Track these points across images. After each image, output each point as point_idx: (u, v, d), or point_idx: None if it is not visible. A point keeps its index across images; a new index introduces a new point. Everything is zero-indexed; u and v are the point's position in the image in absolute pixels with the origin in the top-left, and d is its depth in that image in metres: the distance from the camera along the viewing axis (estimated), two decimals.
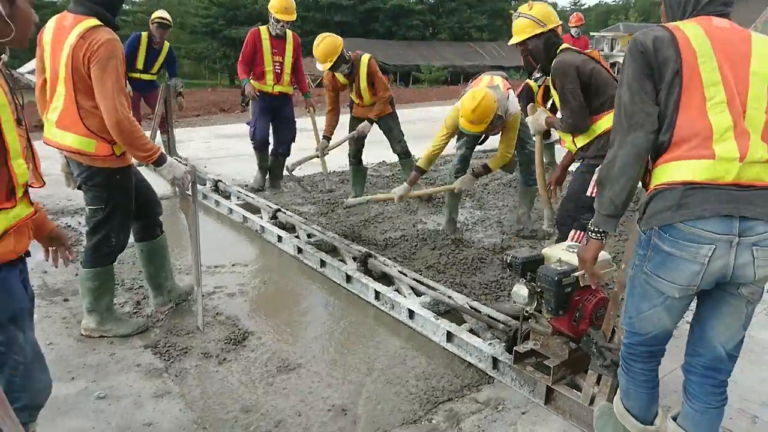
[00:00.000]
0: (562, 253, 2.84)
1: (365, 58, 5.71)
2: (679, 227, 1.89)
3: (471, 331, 3.38)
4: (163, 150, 3.21)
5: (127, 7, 41.46)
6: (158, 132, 7.64)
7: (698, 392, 2.15)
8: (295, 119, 6.75)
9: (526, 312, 2.90)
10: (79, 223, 5.37)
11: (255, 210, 5.78)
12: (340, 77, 5.79)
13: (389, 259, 4.43)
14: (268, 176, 6.85)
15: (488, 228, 5.57)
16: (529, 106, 4.22)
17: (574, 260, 2.76)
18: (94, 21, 2.93)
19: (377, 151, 6.81)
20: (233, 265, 4.60)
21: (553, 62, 3.58)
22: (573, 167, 4.09)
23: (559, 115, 3.78)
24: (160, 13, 7.58)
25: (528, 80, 4.32)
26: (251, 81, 6.23)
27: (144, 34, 7.47)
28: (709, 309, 2.07)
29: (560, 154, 5.03)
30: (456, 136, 5.05)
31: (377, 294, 3.93)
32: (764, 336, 3.52)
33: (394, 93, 6.01)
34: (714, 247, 1.85)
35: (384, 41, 42.74)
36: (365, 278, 4.07)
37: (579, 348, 2.79)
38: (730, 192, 1.84)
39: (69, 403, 2.77)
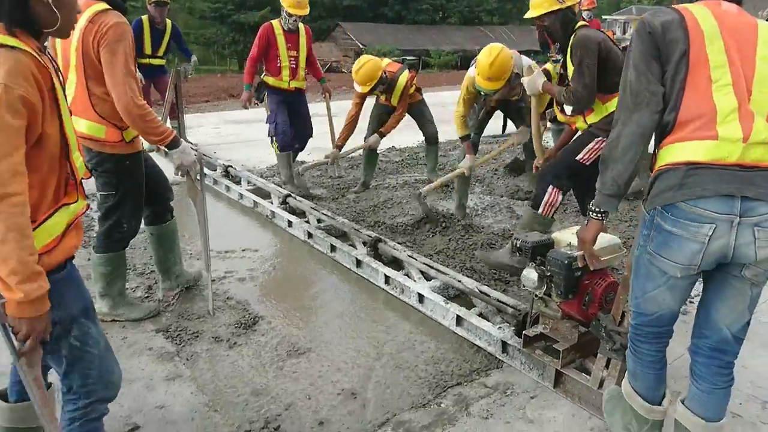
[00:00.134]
0: (572, 238, 2.83)
1: (403, 79, 5.72)
2: (680, 206, 1.90)
3: (480, 315, 3.38)
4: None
5: None
6: (168, 118, 7.64)
7: (705, 373, 2.16)
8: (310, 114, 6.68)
9: (536, 296, 2.90)
10: (91, 207, 5.40)
11: (265, 195, 5.79)
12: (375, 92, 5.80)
13: (399, 244, 4.43)
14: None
15: (498, 213, 5.55)
16: (525, 67, 4.20)
17: None
18: (102, 5, 2.92)
19: (387, 137, 6.76)
20: (243, 250, 4.62)
21: (576, 34, 3.56)
22: None
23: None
24: None
25: (546, 65, 4.29)
26: (265, 77, 6.10)
27: (144, 17, 7.38)
28: (714, 292, 2.08)
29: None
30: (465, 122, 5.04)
31: (387, 278, 3.94)
32: None
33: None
34: (714, 227, 1.85)
35: (393, 26, 42.50)
36: (375, 263, 4.08)
37: (588, 332, 2.79)
38: (733, 172, 1.85)
39: None
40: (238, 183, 6.25)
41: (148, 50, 7.46)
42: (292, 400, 2.76)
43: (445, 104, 9.02)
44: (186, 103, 9.14)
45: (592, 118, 3.67)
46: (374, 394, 2.83)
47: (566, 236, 2.86)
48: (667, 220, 1.94)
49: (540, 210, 3.85)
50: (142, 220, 3.52)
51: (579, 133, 3.89)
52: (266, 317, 3.55)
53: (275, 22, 6.00)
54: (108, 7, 2.93)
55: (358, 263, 4.21)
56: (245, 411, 2.69)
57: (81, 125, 3.03)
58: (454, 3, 46.60)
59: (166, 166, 4.06)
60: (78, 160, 1.88)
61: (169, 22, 7.62)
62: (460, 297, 3.70)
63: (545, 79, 3.99)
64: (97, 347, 1.92)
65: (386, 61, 6.05)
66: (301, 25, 6.09)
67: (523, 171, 6.26)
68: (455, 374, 2.99)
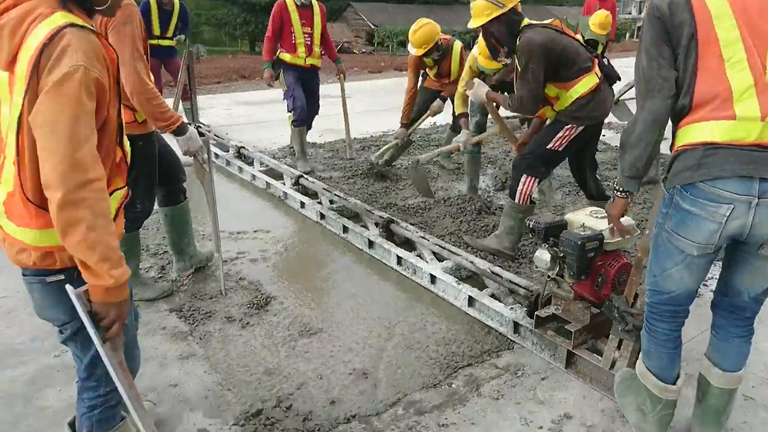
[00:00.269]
0: (585, 219, 2.82)
1: (458, 46, 5.62)
2: (699, 186, 1.90)
3: (492, 296, 3.38)
4: (185, 119, 3.21)
5: None
6: (181, 100, 7.63)
7: (723, 324, 2.23)
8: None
9: (549, 277, 2.90)
10: None
11: (278, 176, 5.80)
12: (428, 60, 5.68)
13: (411, 225, 4.42)
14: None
15: None
16: (467, 81, 4.15)
17: (597, 225, 2.74)
18: None
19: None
20: (256, 231, 4.64)
21: (521, 38, 3.52)
22: None
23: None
24: None
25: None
26: (281, 55, 6.08)
27: None
28: (733, 264, 2.11)
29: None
30: (469, 105, 4.99)
31: (399, 259, 3.94)
32: None
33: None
34: (733, 207, 1.85)
35: (405, 6, 42.16)
36: (387, 244, 4.08)
37: (600, 313, 2.78)
38: (750, 153, 1.83)
39: None
40: (251, 164, 6.26)
41: (156, 31, 7.44)
42: (304, 380, 2.79)
43: None
44: (197, 85, 9.12)
45: (560, 106, 3.68)
46: (385, 374, 2.84)
47: (579, 217, 2.85)
48: (685, 199, 1.95)
49: (516, 200, 3.87)
50: (156, 201, 3.53)
51: (548, 122, 3.90)
52: (278, 297, 3.57)
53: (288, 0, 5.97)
54: None
55: (371, 244, 4.21)
56: (258, 390, 2.71)
57: None
58: None
59: (177, 147, 4.07)
60: (126, 144, 1.86)
61: (177, 2, 7.59)
62: (472, 278, 3.70)
63: (488, 87, 3.98)
64: (128, 335, 1.92)
65: None
66: (314, 2, 6.07)
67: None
68: (466, 355, 2.99)
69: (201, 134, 3.35)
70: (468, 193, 5.30)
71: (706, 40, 1.89)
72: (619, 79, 3.86)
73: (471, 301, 3.36)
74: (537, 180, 3.84)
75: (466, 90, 4.16)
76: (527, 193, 3.84)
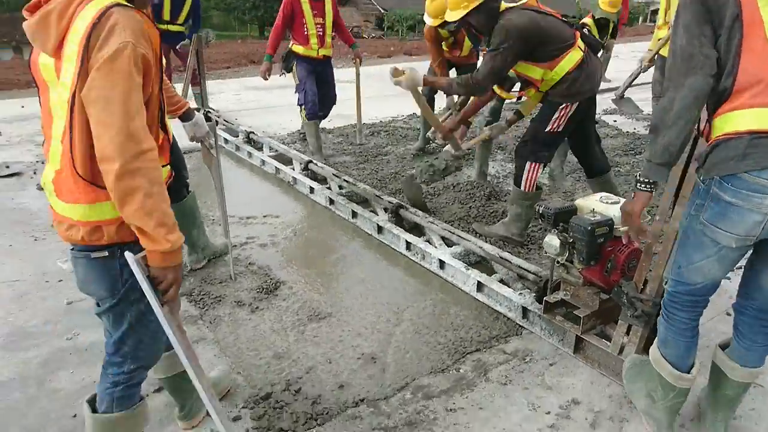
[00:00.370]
0: (595, 204, 2.80)
1: None
2: (743, 177, 1.83)
3: (501, 281, 3.38)
4: (194, 104, 3.20)
5: None
6: (190, 85, 7.63)
7: (747, 331, 2.17)
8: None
9: (558, 262, 2.89)
10: None
11: (287, 161, 5.80)
12: (443, 31, 5.61)
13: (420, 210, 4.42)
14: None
15: None
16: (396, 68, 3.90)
17: (607, 211, 2.73)
18: None
19: (409, 104, 6.70)
20: (265, 216, 4.65)
21: (499, 22, 3.45)
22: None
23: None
24: None
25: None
26: (293, 47, 6.00)
27: None
28: (765, 259, 2.04)
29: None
30: None
31: (408, 244, 3.94)
32: None
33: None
34: None
35: None
36: (396, 229, 4.08)
37: (609, 299, 2.77)
38: None
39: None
40: (260, 149, 6.26)
41: (166, 16, 7.40)
42: (313, 364, 2.80)
43: None
44: (207, 70, 9.11)
45: (546, 86, 3.64)
46: (394, 358, 2.86)
47: (589, 203, 2.83)
48: (726, 190, 1.87)
49: (522, 187, 3.84)
50: None
51: (541, 106, 3.84)
52: (288, 282, 3.59)
53: None
54: None
55: (380, 229, 4.21)
56: (267, 373, 2.73)
57: None
58: None
59: (180, 134, 4.07)
60: (170, 126, 1.89)
61: None
62: (481, 263, 3.70)
63: (423, 73, 3.85)
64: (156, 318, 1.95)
65: None
66: None
67: None
68: (475, 340, 3.00)
69: (208, 119, 3.34)
70: (477, 178, 5.29)
71: (752, 21, 1.81)
72: (603, 46, 3.78)
73: (480, 286, 3.36)
74: (542, 165, 3.81)
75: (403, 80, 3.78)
76: (533, 179, 3.81)
